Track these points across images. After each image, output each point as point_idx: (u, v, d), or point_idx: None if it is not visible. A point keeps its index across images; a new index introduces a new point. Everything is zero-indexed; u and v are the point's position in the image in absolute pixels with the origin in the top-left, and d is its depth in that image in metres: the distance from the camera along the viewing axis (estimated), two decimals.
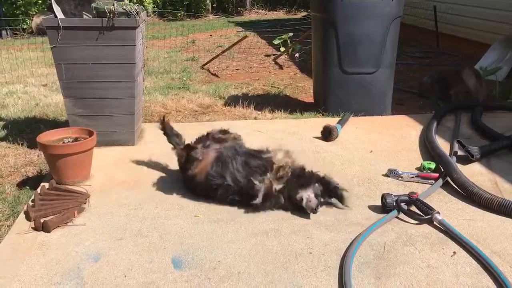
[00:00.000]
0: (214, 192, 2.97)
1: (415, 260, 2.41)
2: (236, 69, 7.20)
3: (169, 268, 2.38)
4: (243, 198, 2.91)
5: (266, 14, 15.76)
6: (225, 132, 3.30)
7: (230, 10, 15.80)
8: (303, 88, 6.00)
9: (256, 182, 2.87)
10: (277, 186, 2.90)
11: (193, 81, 6.43)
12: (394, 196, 2.87)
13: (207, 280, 2.28)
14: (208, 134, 3.26)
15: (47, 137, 3.34)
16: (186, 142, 3.27)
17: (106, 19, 3.53)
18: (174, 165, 3.37)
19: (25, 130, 4.42)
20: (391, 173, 3.35)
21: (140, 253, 2.50)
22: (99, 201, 3.06)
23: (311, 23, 5.13)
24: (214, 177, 2.94)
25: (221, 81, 6.41)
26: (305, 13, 14.47)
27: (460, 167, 3.34)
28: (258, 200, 2.85)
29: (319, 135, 4.10)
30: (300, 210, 2.86)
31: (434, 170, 3.38)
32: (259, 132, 4.16)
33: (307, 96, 5.58)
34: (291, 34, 8.01)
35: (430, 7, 8.41)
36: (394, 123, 4.46)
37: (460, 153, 3.60)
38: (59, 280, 2.29)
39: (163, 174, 3.43)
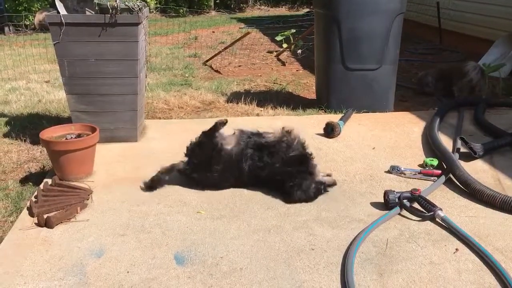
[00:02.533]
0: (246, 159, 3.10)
1: (417, 256, 2.41)
2: (239, 66, 7.19)
3: (172, 264, 2.38)
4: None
5: (269, 10, 15.74)
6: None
7: (232, 6, 15.78)
8: (306, 84, 5.99)
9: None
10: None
11: (195, 77, 6.43)
12: (397, 193, 2.87)
13: (210, 276, 2.29)
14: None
15: (50, 133, 3.34)
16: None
17: (109, 15, 3.54)
18: (176, 161, 3.36)
19: (28, 126, 4.43)
20: (394, 170, 3.35)
21: (143, 249, 2.50)
22: (101, 197, 3.06)
23: (314, 19, 5.12)
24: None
25: (224, 78, 6.41)
26: (308, 9, 14.44)
27: (463, 164, 3.33)
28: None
29: (322, 131, 4.09)
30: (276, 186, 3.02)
31: (437, 167, 3.37)
32: (262, 129, 4.14)
33: (310, 93, 5.58)
34: (293, 30, 8.01)
35: (433, 4, 8.38)
36: (397, 120, 4.45)
37: (463, 150, 3.59)
38: (62, 276, 2.30)
39: None
